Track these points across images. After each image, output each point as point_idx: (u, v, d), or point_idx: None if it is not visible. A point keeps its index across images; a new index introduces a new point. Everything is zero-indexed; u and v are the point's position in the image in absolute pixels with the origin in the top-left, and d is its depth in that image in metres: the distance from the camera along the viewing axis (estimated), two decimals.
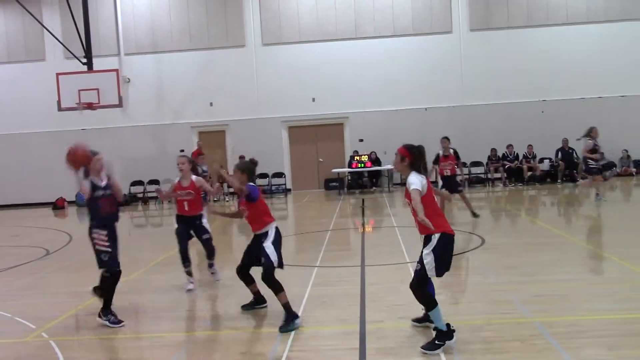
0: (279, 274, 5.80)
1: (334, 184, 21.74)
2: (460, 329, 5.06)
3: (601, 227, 11.52)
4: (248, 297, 6.42)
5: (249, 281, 6.25)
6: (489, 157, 21.25)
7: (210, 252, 7.63)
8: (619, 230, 11.00)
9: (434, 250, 4.82)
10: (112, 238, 6.16)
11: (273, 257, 5.74)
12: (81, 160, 6.10)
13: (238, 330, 5.84)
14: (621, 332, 5.09)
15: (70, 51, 20.17)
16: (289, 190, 22.25)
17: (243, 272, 6.21)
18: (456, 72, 21.49)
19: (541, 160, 21.09)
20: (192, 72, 22.08)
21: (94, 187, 6.10)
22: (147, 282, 8.09)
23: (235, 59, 21.97)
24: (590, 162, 13.97)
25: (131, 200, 21.09)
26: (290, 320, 5.60)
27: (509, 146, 21.04)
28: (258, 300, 6.34)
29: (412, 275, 5.10)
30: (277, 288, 5.71)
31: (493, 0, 21.51)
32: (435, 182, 12.62)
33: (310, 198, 20.08)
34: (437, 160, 12.44)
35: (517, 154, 21.06)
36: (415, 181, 4.87)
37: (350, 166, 21.20)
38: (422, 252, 4.94)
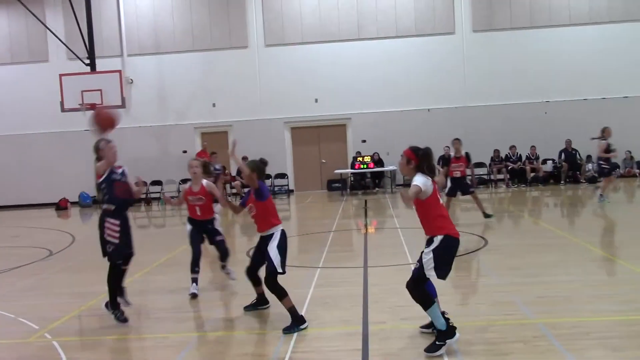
0: (282, 276, 5.80)
1: (337, 185, 21.73)
2: (463, 330, 5.05)
3: (605, 229, 11.49)
4: (251, 298, 6.42)
5: (256, 282, 6.24)
6: (491, 158, 21.23)
7: (223, 254, 7.50)
8: (622, 232, 10.99)
9: (434, 250, 4.80)
10: (125, 228, 6.12)
11: (277, 261, 5.70)
12: (106, 120, 6.07)
13: (241, 331, 5.84)
14: (625, 334, 5.08)
15: (73, 52, 20.22)
16: (292, 191, 22.26)
17: (251, 273, 6.20)
18: (459, 73, 21.48)
19: (544, 162, 21.06)
20: (195, 73, 22.11)
21: (111, 170, 6.10)
22: (150, 283, 8.10)
23: (238, 60, 21.99)
24: (603, 163, 14.03)
25: (134, 201, 21.10)
26: (295, 323, 5.59)
27: (512, 147, 21.02)
28: (261, 301, 6.34)
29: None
30: (280, 294, 5.68)
31: (496, 1, 21.49)
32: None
33: (313, 199, 20.08)
34: (447, 162, 12.39)
35: (520, 155, 21.04)
36: (419, 180, 4.84)
37: (353, 167, 21.19)
38: (422, 251, 4.93)
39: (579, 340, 4.94)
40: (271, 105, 21.87)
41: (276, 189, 21.74)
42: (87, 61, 20.05)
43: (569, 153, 20.59)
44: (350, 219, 14.60)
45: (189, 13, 22.25)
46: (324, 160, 22.52)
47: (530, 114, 21.12)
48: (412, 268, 5.15)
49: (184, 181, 21.88)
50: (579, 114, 20.76)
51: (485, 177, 21.39)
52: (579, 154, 20.82)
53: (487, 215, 12.19)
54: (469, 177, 12.94)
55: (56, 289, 8.16)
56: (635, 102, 20.90)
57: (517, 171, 20.78)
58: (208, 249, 8.15)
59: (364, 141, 21.90)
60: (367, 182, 21.61)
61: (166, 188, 21.62)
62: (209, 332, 5.97)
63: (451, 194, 12.41)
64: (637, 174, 20.85)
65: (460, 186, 12.35)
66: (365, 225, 13.13)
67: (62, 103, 19.05)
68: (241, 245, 10.98)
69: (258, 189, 5.87)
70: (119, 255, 6.08)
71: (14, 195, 22.37)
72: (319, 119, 22.08)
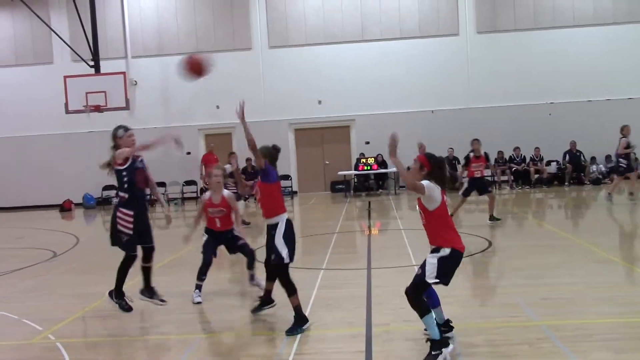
0: None
1: (340, 186, 21.72)
2: (466, 331, 5.04)
3: (608, 230, 11.44)
4: (253, 299, 6.42)
5: (270, 277, 6.10)
6: (495, 159, 21.16)
7: (250, 258, 7.11)
8: (626, 233, 10.96)
9: (439, 259, 4.70)
10: (141, 218, 6.08)
11: (283, 252, 5.67)
12: (197, 65, 6.09)
13: (244, 332, 5.84)
14: (629, 336, 5.07)
15: (77, 54, 20.26)
16: (295, 192, 22.26)
17: (269, 264, 6.00)
18: (463, 74, 21.45)
19: (548, 163, 21.00)
20: None
21: (134, 159, 6.09)
22: (154, 284, 8.08)
23: (242, 62, 22.00)
24: (622, 161, 14.05)
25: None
26: (298, 324, 5.59)
27: (516, 149, 20.97)
28: (266, 300, 6.21)
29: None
30: (291, 289, 5.69)
31: (499, 2, 21.47)
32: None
33: (317, 200, 20.09)
34: (467, 162, 12.30)
35: (524, 156, 20.99)
36: (427, 183, 4.74)
37: (356, 169, 21.18)
38: (426, 258, 4.82)
39: (582, 342, 4.92)
40: (275, 106, 21.87)
41: None
42: (92, 63, 20.08)
43: (574, 154, 20.54)
44: (354, 221, 14.60)
45: (193, 15, 22.30)
46: (327, 162, 22.52)
47: (534, 115, 21.07)
48: (415, 271, 5.12)
49: (188, 183, 21.94)
50: (583, 115, 20.71)
51: (489, 178, 21.33)
52: (584, 156, 20.75)
53: (493, 218, 12.04)
54: (487, 177, 12.80)
55: (60, 290, 8.17)
56: (639, 103, 20.83)
57: (521, 173, 20.73)
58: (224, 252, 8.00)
59: (367, 143, 21.89)
60: (370, 183, 21.59)
61: (170, 190, 21.64)
62: (212, 334, 5.97)
63: (467, 194, 12.19)
64: None
65: (479, 186, 12.22)
66: (369, 227, 13.12)
67: (66, 105, 19.07)
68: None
69: (264, 170, 5.81)
70: (131, 247, 6.04)
71: (18, 197, 22.43)
72: (322, 121, 22.09)
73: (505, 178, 21.00)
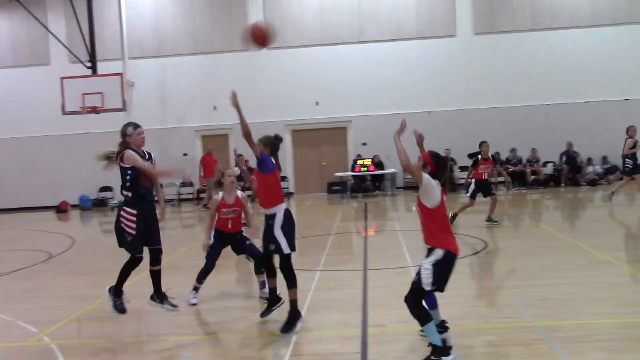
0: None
1: (337, 187, 21.72)
2: (463, 332, 5.03)
3: (605, 231, 11.43)
4: (251, 299, 6.40)
5: (271, 273, 6.00)
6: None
7: (258, 260, 6.79)
8: (623, 234, 10.96)
9: (434, 265, 4.65)
10: (146, 218, 5.92)
11: (282, 242, 5.64)
12: (261, 36, 5.99)
13: (240, 333, 5.82)
14: (625, 337, 5.06)
15: (74, 55, 20.24)
16: (292, 193, 22.25)
17: (267, 262, 5.96)
18: (460, 75, 21.46)
19: (545, 164, 21.02)
20: (196, 76, 22.13)
21: (141, 155, 5.98)
22: (151, 286, 8.04)
23: (239, 63, 21.98)
24: (628, 161, 14.06)
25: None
26: (293, 319, 5.58)
27: (513, 150, 20.98)
28: (273, 300, 6.01)
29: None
30: (291, 281, 5.69)
31: (497, 3, 21.50)
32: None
33: (313, 202, 20.08)
34: (475, 164, 12.26)
35: (520, 157, 21.00)
36: (428, 177, 4.67)
37: (353, 170, 21.18)
38: (421, 263, 4.76)
39: (579, 343, 4.92)
40: (272, 107, 21.84)
41: None
42: (89, 64, 20.08)
43: (570, 155, 20.56)
44: (350, 222, 14.58)
45: (191, 16, 22.29)
46: (324, 163, 22.52)
47: (531, 116, 21.10)
48: (412, 275, 5.09)
49: (184, 184, 21.90)
50: (580, 116, 20.75)
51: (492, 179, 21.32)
52: (580, 157, 20.78)
53: (491, 220, 11.97)
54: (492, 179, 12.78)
55: (55, 292, 8.14)
56: (636, 104, 20.83)
57: (518, 174, 20.71)
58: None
59: (364, 144, 21.88)
60: (367, 185, 21.58)
61: (166, 191, 21.58)
62: (209, 335, 5.96)
63: (474, 196, 12.06)
64: None
65: (484, 187, 12.18)
66: (365, 228, 13.11)
67: (63, 106, 19.07)
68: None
69: (260, 159, 5.73)
70: (135, 247, 5.92)
71: (14, 198, 22.38)
72: (319, 122, 22.08)
73: (501, 179, 20.97)
